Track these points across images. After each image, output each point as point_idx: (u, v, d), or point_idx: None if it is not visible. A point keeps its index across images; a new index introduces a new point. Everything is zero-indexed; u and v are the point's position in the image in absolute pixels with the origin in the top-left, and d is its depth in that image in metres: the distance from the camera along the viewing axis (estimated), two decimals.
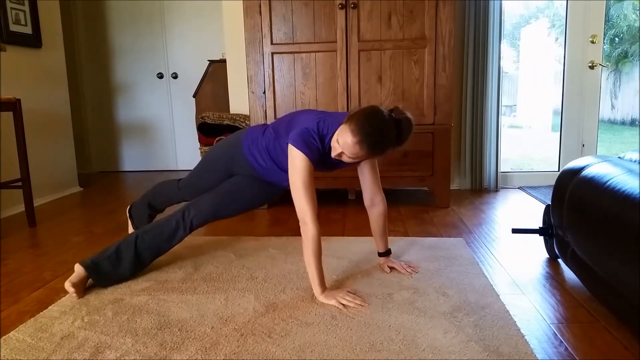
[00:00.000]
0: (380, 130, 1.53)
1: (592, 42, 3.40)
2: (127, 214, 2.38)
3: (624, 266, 1.21)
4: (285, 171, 1.81)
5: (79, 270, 1.71)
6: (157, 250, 1.85)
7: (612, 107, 8.72)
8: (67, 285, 1.66)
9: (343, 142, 1.54)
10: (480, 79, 3.32)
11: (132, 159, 4.90)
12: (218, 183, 2.00)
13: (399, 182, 2.94)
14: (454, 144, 3.45)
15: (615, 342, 1.32)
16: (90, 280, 1.75)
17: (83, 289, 1.71)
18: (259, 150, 1.84)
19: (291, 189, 1.61)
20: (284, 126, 1.74)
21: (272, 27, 2.84)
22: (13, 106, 2.61)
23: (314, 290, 1.61)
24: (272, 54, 2.86)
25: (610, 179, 1.39)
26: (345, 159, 1.61)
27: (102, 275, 1.74)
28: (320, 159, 1.67)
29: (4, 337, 1.40)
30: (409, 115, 1.58)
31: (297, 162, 1.59)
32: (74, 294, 1.65)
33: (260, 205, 2.06)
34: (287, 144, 1.65)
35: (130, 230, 2.39)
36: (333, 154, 1.61)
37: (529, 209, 2.89)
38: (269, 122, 2.80)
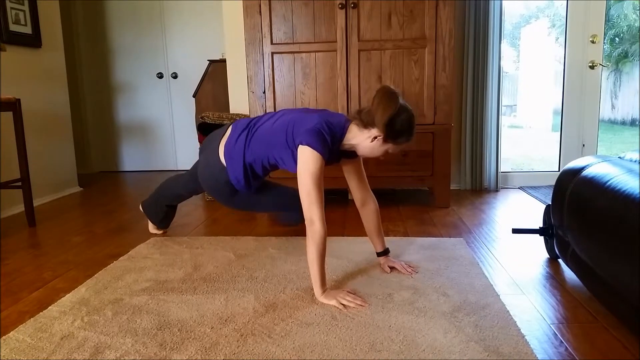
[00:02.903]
0: (413, 124, 1.66)
1: (593, 42, 3.40)
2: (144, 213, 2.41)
3: (624, 266, 1.20)
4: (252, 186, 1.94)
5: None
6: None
7: (613, 107, 8.71)
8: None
9: (392, 149, 1.68)
10: (481, 79, 3.32)
11: (132, 159, 4.90)
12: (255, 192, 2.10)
13: (399, 182, 2.94)
14: (454, 144, 3.45)
15: (615, 342, 1.32)
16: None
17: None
18: (240, 165, 1.88)
19: (300, 188, 1.61)
20: (282, 133, 1.73)
21: (272, 27, 2.83)
22: (13, 106, 2.61)
23: (315, 290, 1.61)
24: (272, 53, 2.86)
25: (611, 179, 1.39)
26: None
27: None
28: (329, 156, 1.69)
29: (3, 337, 1.40)
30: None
31: (310, 162, 1.59)
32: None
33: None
34: (294, 148, 1.67)
35: (152, 228, 2.43)
36: (373, 157, 1.74)
37: (529, 209, 2.88)
38: None
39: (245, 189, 1.93)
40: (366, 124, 1.64)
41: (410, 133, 1.65)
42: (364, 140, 1.67)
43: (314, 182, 1.58)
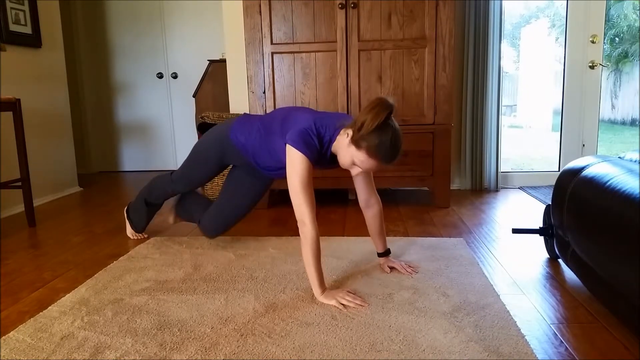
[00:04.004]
0: (397, 148, 1.54)
1: (593, 42, 3.40)
2: (125, 215, 2.38)
3: (624, 266, 1.20)
4: (269, 164, 1.87)
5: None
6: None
7: (613, 107, 8.72)
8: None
9: (360, 161, 1.55)
10: (481, 79, 3.31)
11: (132, 159, 4.90)
12: (209, 173, 2.07)
13: (399, 182, 2.94)
14: (454, 144, 3.45)
15: (615, 342, 1.32)
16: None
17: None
18: (248, 140, 1.86)
19: (289, 189, 1.61)
20: (279, 123, 1.73)
21: (272, 26, 2.83)
22: (13, 106, 2.61)
23: (314, 291, 1.61)
24: (272, 53, 2.86)
25: (611, 179, 1.39)
26: (357, 169, 1.62)
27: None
28: (318, 158, 1.67)
29: (3, 337, 1.40)
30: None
31: (296, 163, 1.58)
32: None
33: (261, 195, 2.11)
34: (284, 143, 1.64)
35: (128, 231, 2.39)
36: (346, 166, 1.63)
37: (529, 209, 2.88)
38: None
39: (236, 140, 1.88)
40: (349, 126, 1.58)
41: (374, 147, 1.49)
42: (342, 140, 1.60)
43: (301, 183, 1.58)
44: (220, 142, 1.95)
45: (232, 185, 2.08)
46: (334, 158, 1.71)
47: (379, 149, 1.51)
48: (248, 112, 3.06)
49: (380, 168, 1.57)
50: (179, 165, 4.74)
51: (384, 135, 1.50)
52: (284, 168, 1.84)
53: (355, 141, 1.53)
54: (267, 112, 2.91)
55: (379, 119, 1.48)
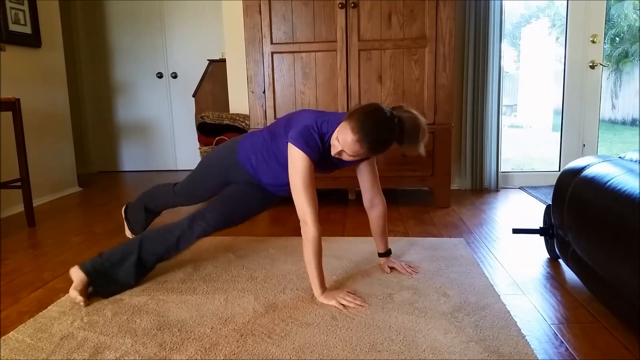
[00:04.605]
0: (381, 128, 1.51)
1: (593, 41, 3.39)
2: (123, 215, 2.37)
3: (625, 266, 1.20)
4: (278, 177, 1.79)
5: (79, 275, 1.65)
6: (161, 256, 1.78)
7: (613, 106, 8.72)
8: (73, 293, 1.60)
9: (343, 139, 1.51)
10: (481, 79, 3.31)
11: (131, 158, 4.90)
12: (213, 190, 1.98)
13: (399, 182, 2.93)
14: (454, 144, 3.45)
15: (615, 343, 1.32)
16: (90, 289, 1.69)
17: (87, 294, 1.65)
18: (255, 156, 1.80)
19: (291, 188, 1.60)
20: (282, 127, 1.72)
21: (272, 26, 2.83)
22: (12, 106, 2.61)
23: (314, 291, 1.60)
24: (272, 53, 2.85)
25: (611, 179, 1.38)
26: (345, 157, 1.58)
27: (103, 280, 1.67)
28: (321, 158, 1.65)
29: (3, 338, 1.40)
30: (414, 112, 1.55)
31: (297, 161, 1.57)
32: (82, 302, 1.59)
33: (263, 210, 1.98)
34: (286, 143, 1.63)
35: (127, 232, 2.38)
36: (333, 152, 1.59)
37: (530, 209, 2.88)
38: (268, 122, 2.83)
39: (244, 157, 1.83)
40: None
41: (359, 122, 1.48)
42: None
43: (303, 181, 1.56)
44: (228, 160, 1.89)
45: (236, 187, 1.92)
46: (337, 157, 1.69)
47: (363, 126, 1.47)
48: (248, 113, 3.05)
49: (362, 152, 1.53)
50: (179, 165, 4.80)
51: (375, 114, 1.50)
52: (287, 185, 1.73)
53: (346, 118, 1.53)
54: (267, 111, 2.91)
55: (373, 104, 1.53)
